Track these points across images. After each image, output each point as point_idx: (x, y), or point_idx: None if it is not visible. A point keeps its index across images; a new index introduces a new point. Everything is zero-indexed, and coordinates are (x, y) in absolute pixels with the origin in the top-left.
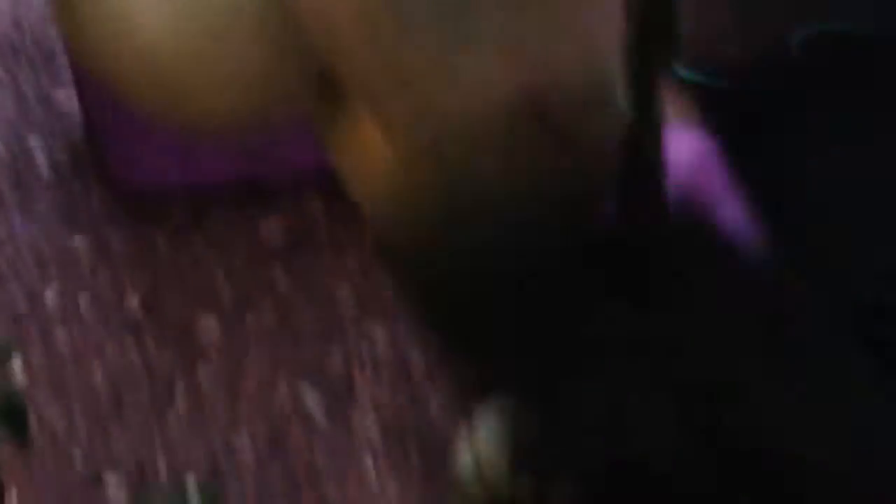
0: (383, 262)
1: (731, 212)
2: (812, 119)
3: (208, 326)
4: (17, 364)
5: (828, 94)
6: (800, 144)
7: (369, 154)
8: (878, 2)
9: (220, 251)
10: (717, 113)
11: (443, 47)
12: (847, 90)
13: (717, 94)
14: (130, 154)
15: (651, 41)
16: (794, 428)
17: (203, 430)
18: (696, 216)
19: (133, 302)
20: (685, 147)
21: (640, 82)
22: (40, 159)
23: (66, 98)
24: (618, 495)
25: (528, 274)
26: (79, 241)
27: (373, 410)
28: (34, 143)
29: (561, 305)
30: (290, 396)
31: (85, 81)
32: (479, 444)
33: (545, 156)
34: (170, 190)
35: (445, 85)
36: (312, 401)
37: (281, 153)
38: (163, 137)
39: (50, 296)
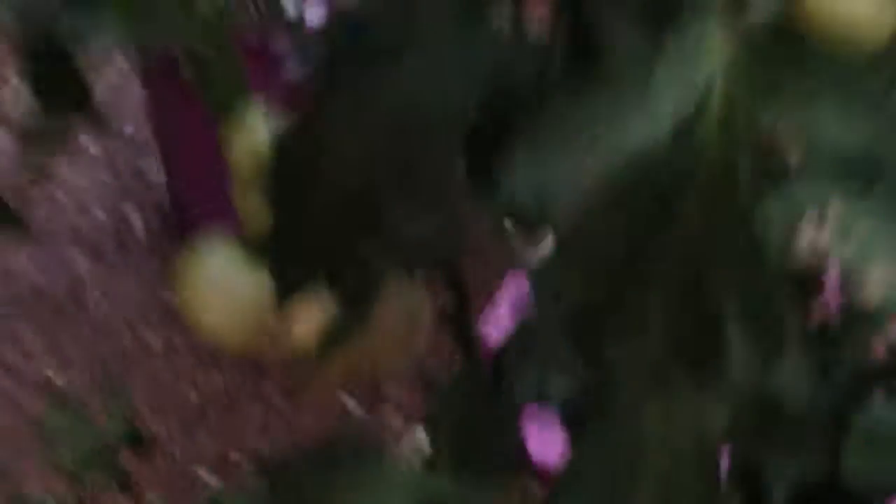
0: None
1: None
2: None
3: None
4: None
5: None
6: None
7: None
8: None
9: None
10: None
11: None
12: None
13: None
14: (209, 225)
15: None
16: None
17: (270, 430)
18: None
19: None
20: None
21: None
22: (137, 224)
23: (155, 171)
24: None
25: None
26: (171, 294)
27: None
28: (130, 210)
29: None
30: None
31: (170, 158)
32: None
33: None
34: None
35: None
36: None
37: None
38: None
39: (151, 336)
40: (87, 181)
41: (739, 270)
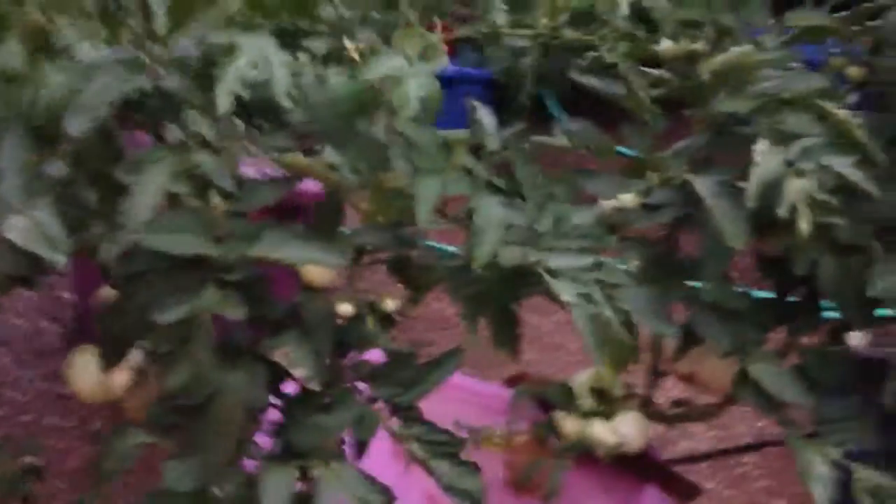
0: None
1: None
2: None
3: None
4: None
5: None
6: None
7: None
8: None
9: None
10: None
11: None
12: None
13: None
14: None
15: None
16: None
17: None
18: None
19: None
20: None
21: None
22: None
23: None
24: None
25: None
26: None
27: None
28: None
29: None
30: None
31: (81, 285)
32: None
33: None
34: None
35: None
36: None
37: None
38: None
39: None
40: (11, 297)
41: None
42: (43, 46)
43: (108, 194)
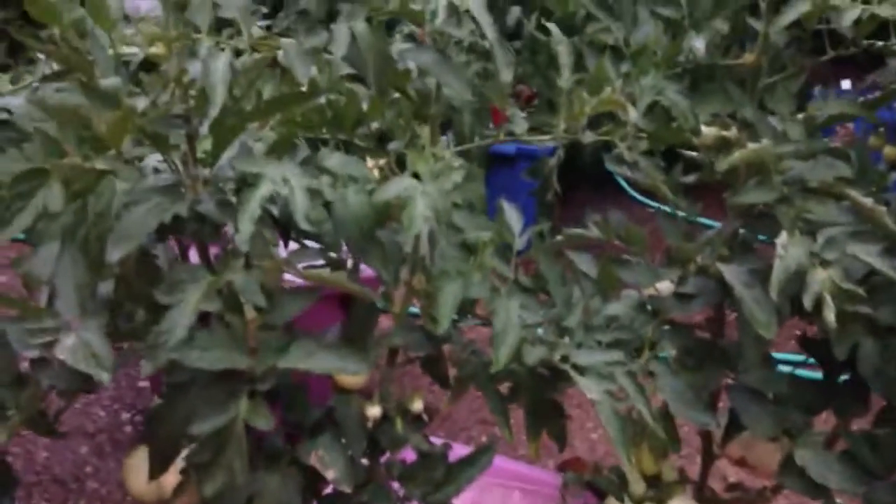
0: None
1: None
2: None
3: None
4: None
5: None
6: None
7: None
8: None
9: None
10: None
11: None
12: None
13: None
14: None
15: None
16: None
17: None
18: None
19: None
20: None
21: None
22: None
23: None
24: None
25: None
26: None
27: None
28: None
29: None
30: None
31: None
32: None
33: None
34: None
35: None
36: None
37: None
38: None
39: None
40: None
41: None
42: (84, 188)
43: (152, 312)
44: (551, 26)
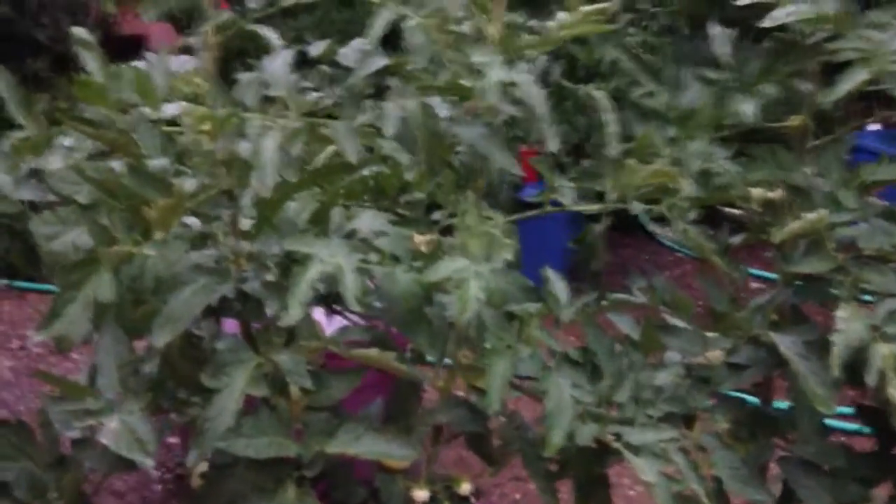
0: None
1: None
2: None
3: None
4: None
5: None
6: None
7: None
8: None
9: None
10: None
11: None
12: None
13: None
14: None
15: None
16: None
17: None
18: None
19: None
20: None
21: None
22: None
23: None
24: None
25: None
26: None
27: None
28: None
29: None
30: None
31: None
32: None
33: None
34: None
35: None
36: None
37: None
38: None
39: None
40: None
41: None
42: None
43: (196, 392)
44: (598, 93)
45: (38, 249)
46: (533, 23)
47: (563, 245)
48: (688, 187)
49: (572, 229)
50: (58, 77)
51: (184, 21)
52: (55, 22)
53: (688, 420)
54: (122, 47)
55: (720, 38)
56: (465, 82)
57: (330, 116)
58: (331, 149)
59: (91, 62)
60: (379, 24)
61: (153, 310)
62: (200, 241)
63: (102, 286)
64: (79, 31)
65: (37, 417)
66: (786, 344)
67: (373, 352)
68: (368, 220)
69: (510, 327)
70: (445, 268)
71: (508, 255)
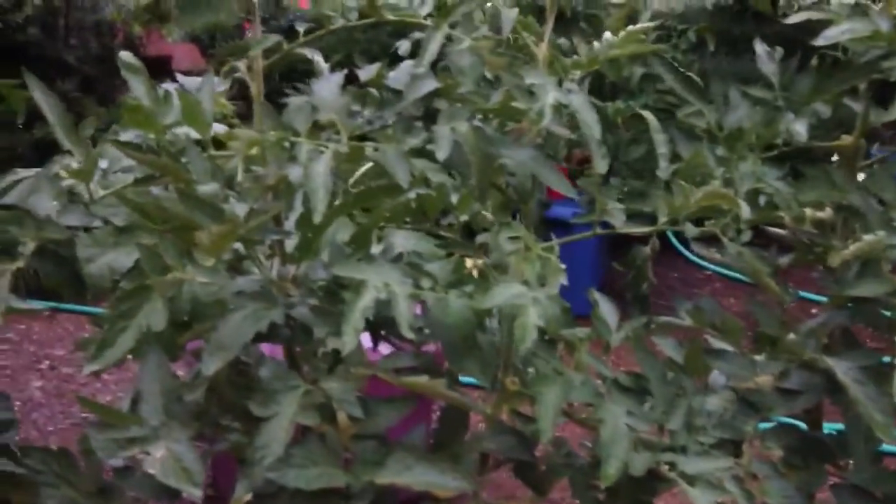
0: None
1: None
2: None
3: None
4: None
5: None
6: None
7: None
8: None
9: None
10: None
11: None
12: None
13: None
14: None
15: None
16: None
17: None
18: None
19: None
20: None
21: None
22: None
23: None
24: None
25: None
26: None
27: None
28: None
29: None
30: None
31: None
32: None
33: None
34: None
35: None
36: None
37: None
38: None
39: None
40: None
41: None
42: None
43: (243, 421)
44: (646, 114)
45: (82, 274)
46: (562, 41)
47: (594, 265)
48: (744, 208)
49: (600, 249)
50: (86, 98)
51: (206, 42)
52: (83, 43)
53: (736, 446)
54: (148, 68)
55: (766, 56)
56: (518, 104)
57: (366, 138)
58: (364, 168)
59: (138, 87)
60: (433, 48)
61: (194, 334)
62: (239, 264)
63: (155, 314)
64: (126, 56)
65: (78, 444)
66: (842, 369)
67: (423, 379)
68: (402, 241)
69: (555, 352)
70: (500, 294)
71: (564, 281)
